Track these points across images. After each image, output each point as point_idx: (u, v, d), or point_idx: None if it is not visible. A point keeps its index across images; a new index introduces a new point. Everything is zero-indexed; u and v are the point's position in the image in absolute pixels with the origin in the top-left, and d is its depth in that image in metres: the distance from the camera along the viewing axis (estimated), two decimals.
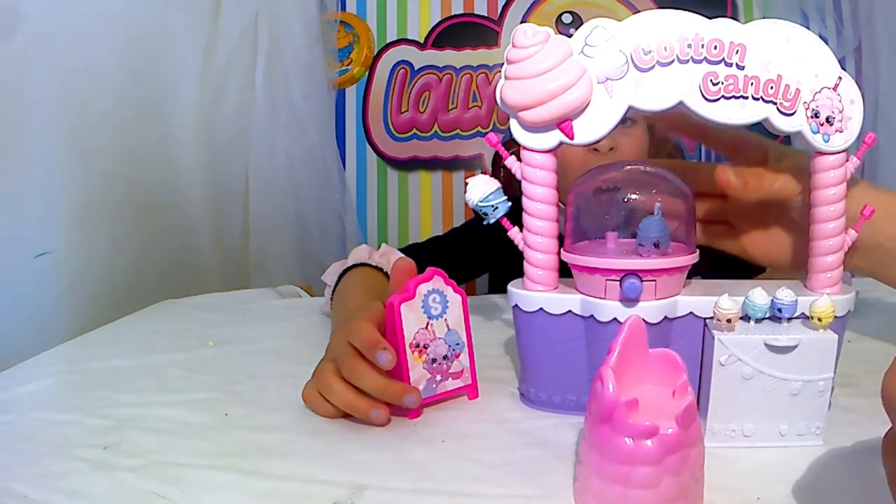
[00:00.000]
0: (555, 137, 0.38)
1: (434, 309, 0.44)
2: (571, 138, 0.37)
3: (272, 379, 0.52)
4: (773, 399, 0.36)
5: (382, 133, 1.42)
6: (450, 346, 0.45)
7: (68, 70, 0.87)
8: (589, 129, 0.38)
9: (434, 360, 0.44)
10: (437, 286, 0.44)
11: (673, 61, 0.37)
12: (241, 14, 1.26)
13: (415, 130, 1.42)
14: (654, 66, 0.37)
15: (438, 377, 0.44)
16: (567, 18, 1.39)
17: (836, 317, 0.36)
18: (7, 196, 0.75)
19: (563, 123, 0.37)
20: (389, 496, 0.34)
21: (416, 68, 1.41)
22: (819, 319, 0.36)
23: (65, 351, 0.62)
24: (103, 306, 0.82)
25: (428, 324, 0.44)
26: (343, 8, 1.42)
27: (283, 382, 0.51)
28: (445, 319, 0.45)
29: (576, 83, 0.36)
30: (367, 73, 1.42)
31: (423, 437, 0.40)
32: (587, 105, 0.37)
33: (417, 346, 0.43)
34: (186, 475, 0.36)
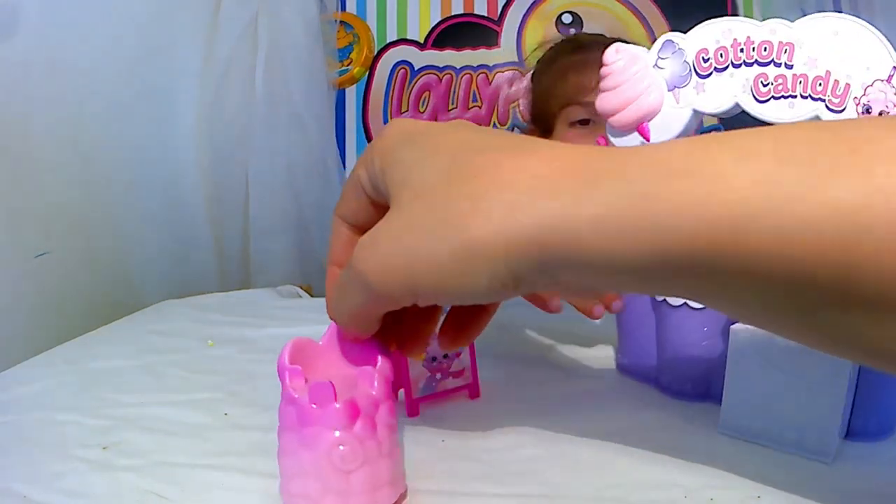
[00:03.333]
0: (636, 139, 0.42)
1: None
2: (648, 139, 0.42)
3: (272, 379, 0.52)
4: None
5: None
6: None
7: (68, 70, 0.87)
8: (661, 132, 0.42)
9: (434, 359, 0.44)
10: None
11: (727, 66, 0.39)
12: (241, 14, 1.26)
13: None
14: (711, 72, 0.40)
15: (438, 376, 0.44)
16: (567, 18, 1.39)
17: None
18: (7, 196, 0.75)
19: (640, 126, 0.42)
20: None
21: (416, 68, 1.41)
22: None
23: (65, 351, 0.62)
24: (103, 306, 0.82)
25: None
26: (343, 8, 1.42)
27: None
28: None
29: (649, 90, 0.41)
30: (367, 73, 1.42)
31: (423, 437, 0.40)
32: (660, 110, 0.42)
33: None
34: (186, 475, 0.36)
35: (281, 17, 1.28)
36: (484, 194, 0.24)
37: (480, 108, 1.40)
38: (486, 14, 1.41)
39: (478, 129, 0.28)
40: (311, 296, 0.98)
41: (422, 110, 1.41)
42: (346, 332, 0.32)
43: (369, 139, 1.42)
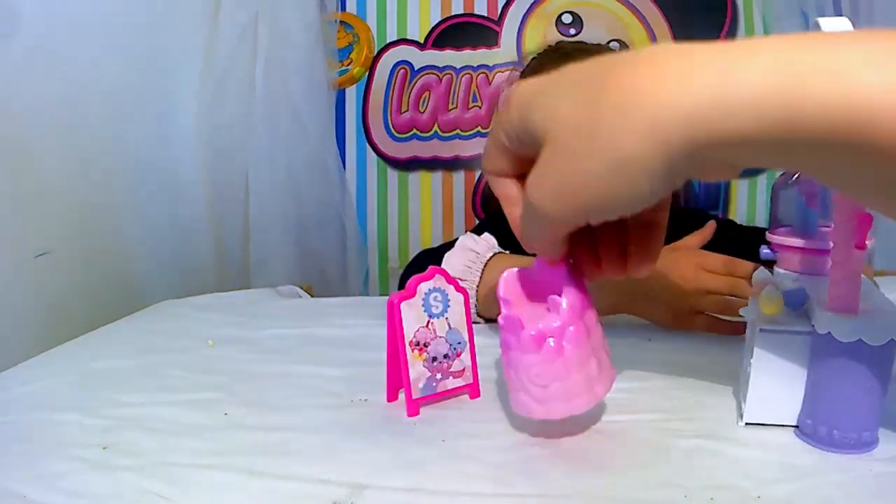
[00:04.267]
0: None
1: (435, 307, 0.44)
2: None
3: (272, 379, 0.52)
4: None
5: (382, 133, 1.42)
6: (451, 344, 0.45)
7: (68, 70, 0.87)
8: None
9: (434, 359, 0.44)
10: (438, 285, 0.44)
11: None
12: (241, 14, 1.26)
13: (415, 130, 1.41)
14: None
15: (439, 375, 0.44)
16: (567, 18, 1.39)
17: None
18: (7, 196, 0.75)
19: None
20: (389, 496, 0.34)
21: (416, 68, 1.41)
22: None
23: (65, 351, 0.62)
24: (103, 306, 0.82)
25: (428, 322, 0.44)
26: (343, 8, 1.42)
27: (283, 382, 0.51)
28: (447, 318, 0.45)
29: None
30: (367, 73, 1.42)
31: (423, 437, 0.40)
32: None
33: (417, 344, 0.43)
34: (186, 475, 0.36)
35: (281, 17, 1.28)
36: (627, 105, 0.26)
37: (480, 108, 1.40)
38: (486, 14, 1.41)
39: (600, 61, 0.29)
40: (311, 296, 0.98)
41: (422, 110, 1.41)
42: (542, 256, 0.37)
43: (369, 139, 1.42)
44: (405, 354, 0.43)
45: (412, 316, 0.43)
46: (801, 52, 0.24)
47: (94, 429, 0.43)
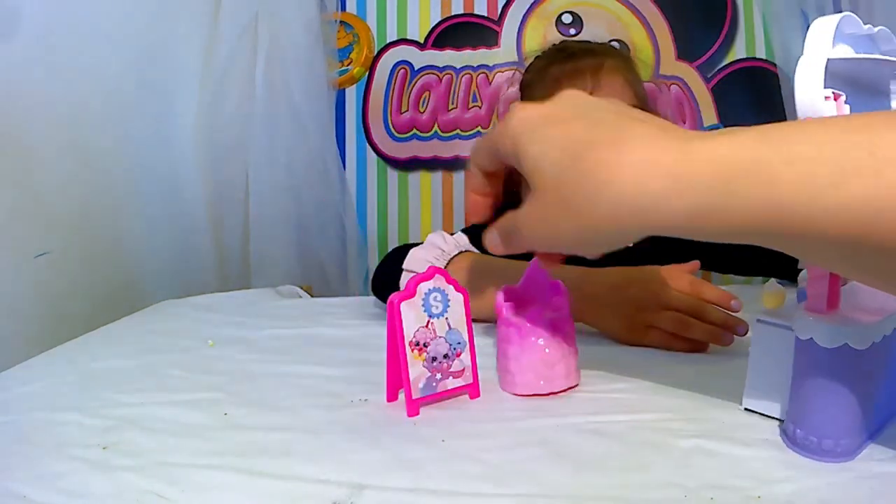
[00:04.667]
0: None
1: (435, 307, 0.44)
2: None
3: (272, 379, 0.52)
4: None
5: (382, 133, 1.42)
6: (451, 344, 0.45)
7: (68, 70, 0.87)
8: None
9: (434, 359, 0.44)
10: (438, 285, 0.44)
11: None
12: (241, 14, 1.26)
13: (415, 130, 1.41)
14: None
15: (439, 376, 0.44)
16: (567, 18, 1.39)
17: None
18: (7, 196, 0.75)
19: None
20: (389, 496, 0.34)
21: (416, 68, 1.41)
22: None
23: (65, 351, 0.62)
24: (103, 306, 0.82)
25: (428, 322, 0.44)
26: (343, 8, 1.42)
27: (283, 382, 0.51)
28: (447, 318, 0.45)
29: None
30: (367, 73, 1.42)
31: (423, 437, 0.40)
32: None
33: (417, 344, 0.43)
34: (186, 475, 0.36)
35: (281, 17, 1.28)
36: (597, 185, 0.32)
37: (480, 108, 1.40)
38: (486, 14, 1.41)
39: (587, 117, 0.35)
40: (311, 295, 0.98)
41: (422, 110, 1.41)
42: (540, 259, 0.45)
43: (369, 139, 1.42)
44: (405, 354, 0.43)
45: (412, 316, 0.43)
46: (740, 149, 0.29)
47: (93, 429, 0.43)
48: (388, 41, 1.42)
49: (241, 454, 0.39)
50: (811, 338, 0.35)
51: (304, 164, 1.30)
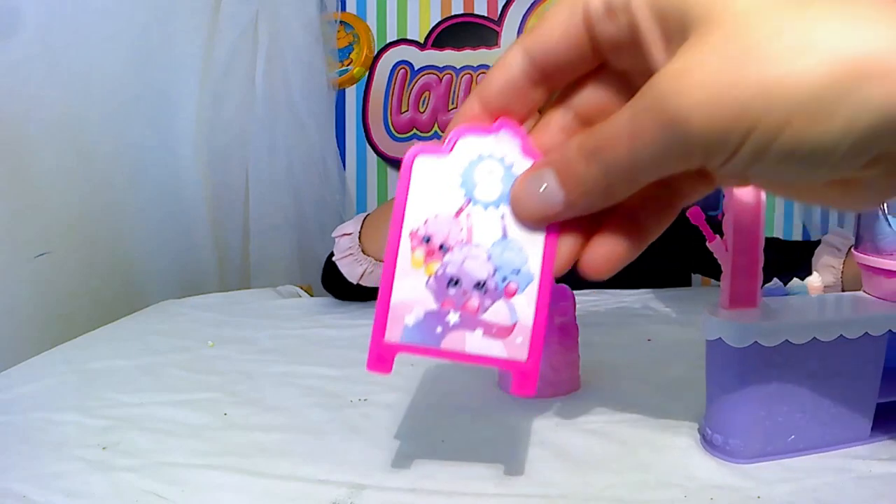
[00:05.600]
0: None
1: (484, 187, 0.25)
2: None
3: (272, 379, 0.52)
4: None
5: (382, 133, 1.42)
6: (497, 268, 0.25)
7: (68, 70, 0.87)
8: None
9: (454, 281, 0.25)
10: (500, 148, 0.25)
11: None
12: (241, 14, 1.26)
13: (415, 130, 1.41)
14: None
15: (455, 316, 0.25)
16: None
17: None
18: (7, 196, 0.75)
19: None
20: (389, 496, 0.34)
21: (416, 68, 1.41)
22: None
23: (65, 351, 0.62)
24: (103, 306, 0.82)
25: (463, 209, 0.25)
26: (343, 8, 1.42)
27: (283, 382, 0.51)
28: (503, 216, 0.25)
29: None
30: (367, 73, 1.42)
31: (424, 437, 0.40)
32: None
33: (427, 241, 0.25)
34: (186, 475, 0.36)
35: (281, 17, 1.28)
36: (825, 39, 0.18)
37: None
38: (486, 14, 1.41)
39: None
40: (311, 295, 0.98)
41: (422, 110, 1.41)
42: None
43: (369, 139, 1.42)
44: (395, 251, 0.25)
45: (435, 189, 0.25)
46: None
47: (93, 429, 0.43)
48: (388, 41, 1.42)
49: (240, 454, 0.39)
50: (720, 338, 0.35)
51: (303, 163, 1.30)
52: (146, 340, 0.64)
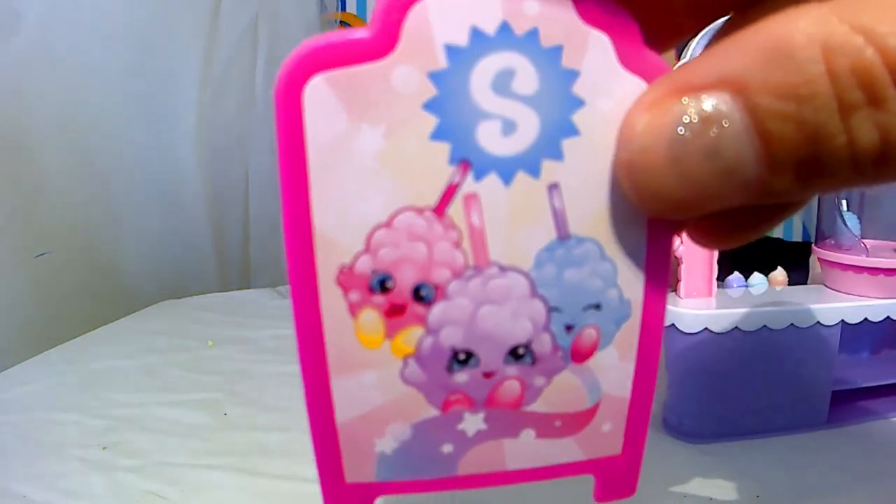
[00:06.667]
0: None
1: (495, 131, 0.12)
2: None
3: (272, 379, 0.52)
4: None
5: None
6: (553, 308, 0.13)
7: (68, 70, 0.87)
8: None
9: (462, 358, 0.13)
10: (531, 19, 0.11)
11: None
12: (241, 14, 1.26)
13: None
14: None
15: (476, 419, 0.14)
16: None
17: None
18: (7, 196, 0.75)
19: None
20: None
21: None
22: None
23: (65, 351, 0.62)
24: (103, 306, 0.82)
25: (449, 192, 0.13)
26: (343, 8, 1.42)
27: (283, 382, 0.51)
28: (552, 190, 0.13)
29: None
30: None
31: None
32: None
33: (382, 285, 0.14)
34: (186, 475, 0.36)
35: (281, 17, 1.28)
36: None
37: None
38: None
39: None
40: None
41: None
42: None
43: None
44: (317, 323, 0.16)
45: (368, 151, 0.12)
46: None
47: (93, 429, 0.43)
48: None
49: (240, 454, 0.39)
50: (673, 324, 0.37)
51: None
52: (146, 340, 0.64)
